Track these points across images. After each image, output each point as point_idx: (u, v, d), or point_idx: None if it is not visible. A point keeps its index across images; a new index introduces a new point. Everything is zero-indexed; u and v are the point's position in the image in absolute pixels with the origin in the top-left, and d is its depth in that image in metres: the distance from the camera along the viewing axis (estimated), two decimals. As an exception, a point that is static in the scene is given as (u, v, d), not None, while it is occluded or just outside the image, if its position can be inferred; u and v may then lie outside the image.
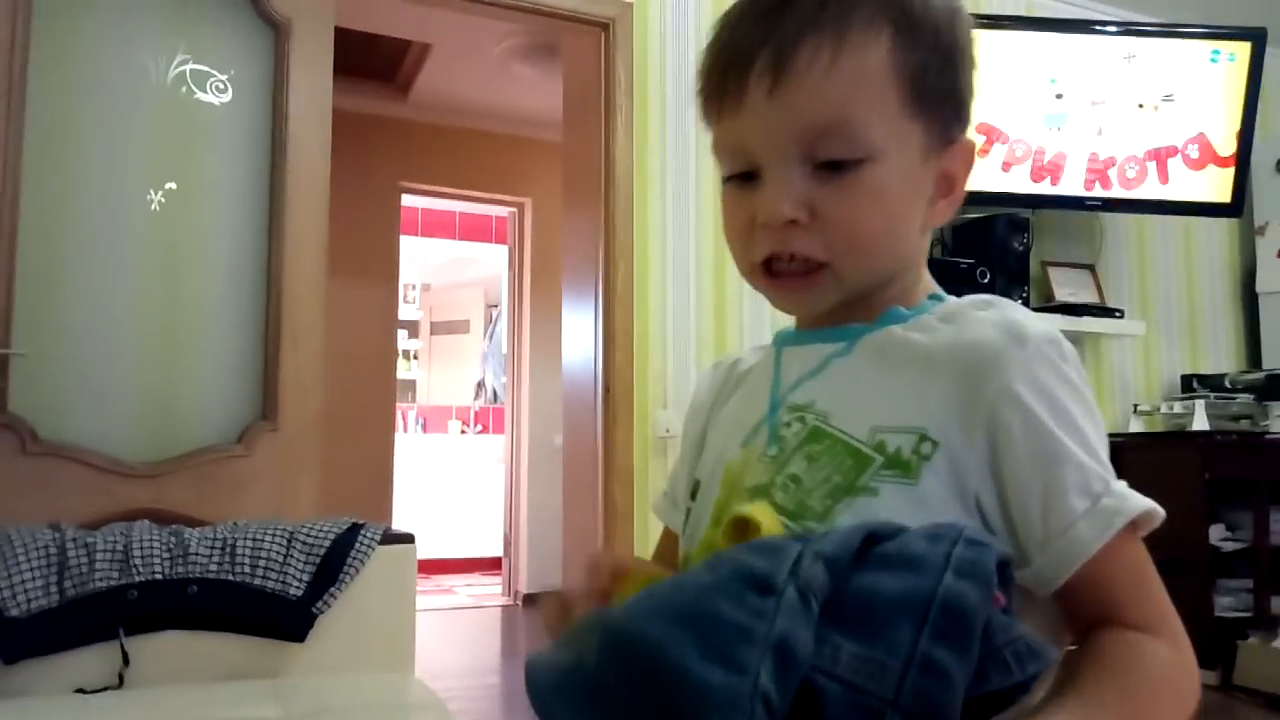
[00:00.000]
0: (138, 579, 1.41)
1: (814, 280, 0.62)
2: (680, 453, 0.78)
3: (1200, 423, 3.08)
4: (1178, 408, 3.22)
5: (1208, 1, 3.33)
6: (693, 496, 0.69)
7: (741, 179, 0.63)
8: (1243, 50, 3.02)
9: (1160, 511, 0.57)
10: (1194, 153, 3.02)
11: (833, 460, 0.59)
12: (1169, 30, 3.10)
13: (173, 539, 1.48)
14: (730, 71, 0.61)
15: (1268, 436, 3.10)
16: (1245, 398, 3.21)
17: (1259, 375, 3.27)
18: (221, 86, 2.21)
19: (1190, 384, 3.35)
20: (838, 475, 0.58)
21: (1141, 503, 0.56)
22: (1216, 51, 3.04)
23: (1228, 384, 3.27)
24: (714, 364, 0.77)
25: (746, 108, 0.60)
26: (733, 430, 0.67)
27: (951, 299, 0.65)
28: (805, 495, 0.59)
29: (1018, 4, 3.25)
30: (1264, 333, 3.56)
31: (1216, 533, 2.99)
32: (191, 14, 2.18)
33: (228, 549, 1.49)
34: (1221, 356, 3.60)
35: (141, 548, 1.44)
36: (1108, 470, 0.57)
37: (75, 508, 1.85)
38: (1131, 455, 3.16)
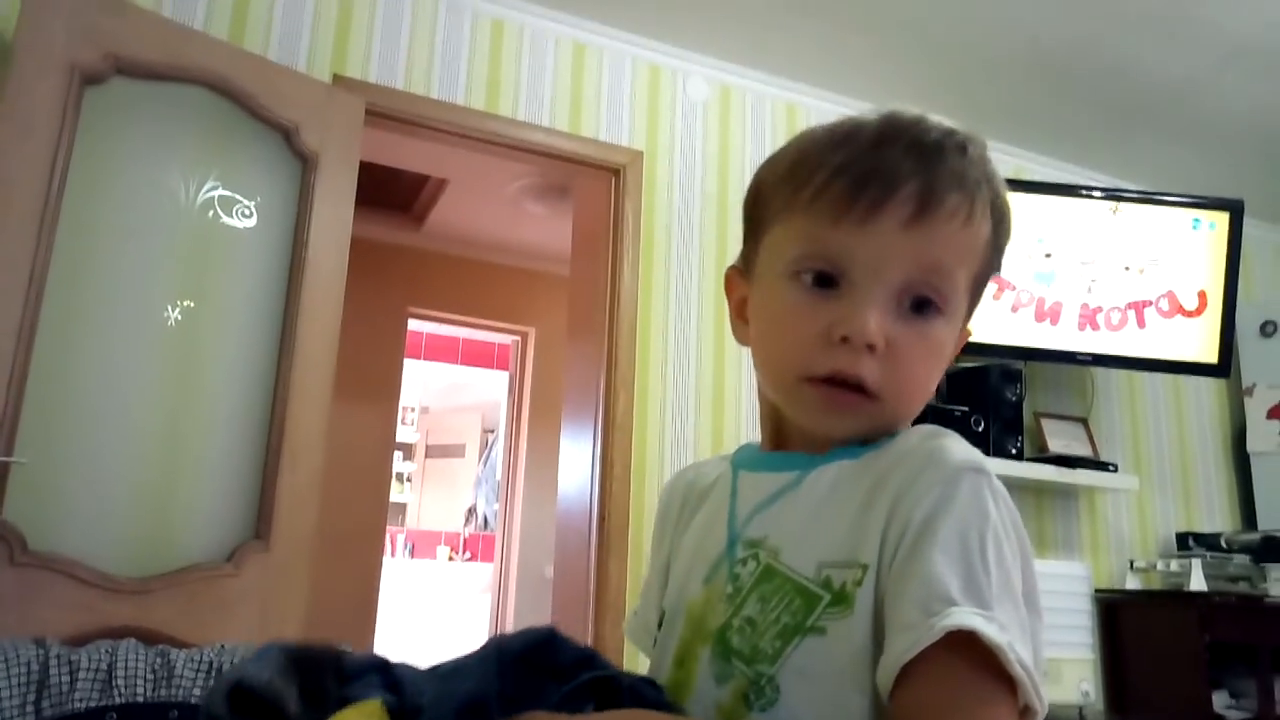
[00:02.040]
0: (119, 700, 1.37)
1: (862, 406, 0.62)
2: (649, 572, 0.77)
3: (1198, 582, 3.05)
4: (1174, 565, 3.19)
5: (1188, 173, 3.52)
6: (659, 626, 0.70)
7: (816, 282, 0.63)
8: (1222, 219, 3.17)
9: (1004, 650, 0.51)
10: (1165, 305, 3.14)
11: (783, 600, 0.59)
12: (1151, 198, 3.26)
13: (158, 659, 1.45)
14: (870, 187, 0.61)
15: (1267, 600, 3.07)
16: (1242, 558, 3.19)
17: (1255, 536, 3.26)
18: (247, 212, 2.30)
19: (1186, 542, 3.33)
20: (787, 615, 0.59)
21: (960, 622, 0.51)
22: (1197, 220, 3.19)
23: (1224, 544, 3.25)
24: (675, 475, 0.78)
25: (873, 225, 0.61)
26: (695, 562, 0.68)
27: (902, 431, 0.65)
28: (758, 638, 0.59)
29: (1006, 167, 3.43)
30: (1257, 493, 3.57)
31: (1220, 700, 2.91)
32: (228, 144, 2.29)
33: (214, 672, 1.46)
34: (1216, 514, 3.59)
35: (125, 668, 1.41)
36: (971, 596, 0.53)
37: (58, 621, 1.81)
38: (1129, 613, 3.11)
